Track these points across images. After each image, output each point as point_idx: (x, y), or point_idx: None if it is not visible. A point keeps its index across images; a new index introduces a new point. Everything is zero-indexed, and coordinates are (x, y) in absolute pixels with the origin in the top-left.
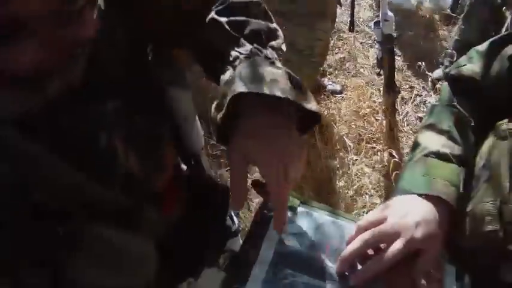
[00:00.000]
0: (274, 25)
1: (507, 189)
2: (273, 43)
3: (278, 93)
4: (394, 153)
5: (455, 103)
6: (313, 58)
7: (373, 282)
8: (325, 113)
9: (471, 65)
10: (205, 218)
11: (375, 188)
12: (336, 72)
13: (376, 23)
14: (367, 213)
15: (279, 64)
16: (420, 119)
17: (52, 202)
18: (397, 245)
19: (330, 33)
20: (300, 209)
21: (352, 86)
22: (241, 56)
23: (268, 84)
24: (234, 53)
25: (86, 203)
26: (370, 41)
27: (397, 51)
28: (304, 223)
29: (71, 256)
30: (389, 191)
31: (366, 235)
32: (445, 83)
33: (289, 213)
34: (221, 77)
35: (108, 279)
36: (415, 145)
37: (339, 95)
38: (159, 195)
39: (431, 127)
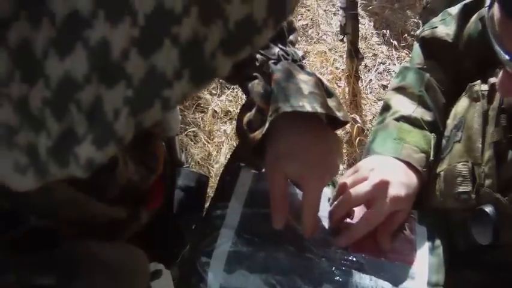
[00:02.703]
0: None
1: (479, 150)
2: (292, 38)
3: (320, 110)
4: (357, 118)
5: (426, 66)
6: None
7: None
8: None
9: (443, 26)
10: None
11: None
12: (299, 38)
13: None
14: None
15: (306, 67)
16: (384, 86)
17: (37, 220)
18: (386, 205)
19: None
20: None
21: (315, 52)
22: (270, 62)
23: (307, 98)
24: (259, 57)
25: (78, 220)
26: (333, 9)
27: (361, 19)
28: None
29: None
30: (352, 157)
31: (349, 196)
32: (416, 45)
33: (256, 175)
34: (249, 86)
35: None
36: (386, 107)
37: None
38: (145, 193)
39: (402, 90)
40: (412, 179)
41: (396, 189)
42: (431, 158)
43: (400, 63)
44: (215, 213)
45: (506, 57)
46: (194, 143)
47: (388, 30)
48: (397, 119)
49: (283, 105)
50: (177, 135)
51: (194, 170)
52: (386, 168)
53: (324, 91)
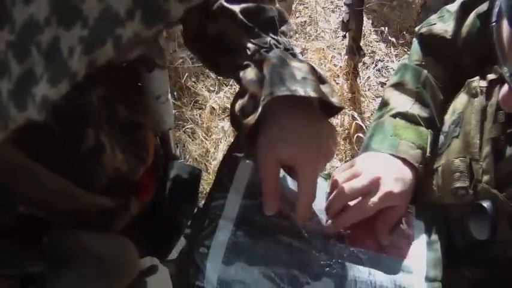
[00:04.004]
0: (279, 6)
1: (477, 146)
2: (284, 28)
3: (313, 94)
4: (356, 115)
5: (424, 63)
6: None
7: (337, 239)
8: None
9: (442, 23)
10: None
11: None
12: (297, 35)
13: None
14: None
15: (299, 55)
16: (382, 84)
17: (30, 209)
18: (376, 197)
19: None
20: None
21: (313, 49)
22: (262, 50)
23: (300, 83)
24: (251, 46)
25: (69, 210)
26: (331, 6)
27: None
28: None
29: (55, 272)
30: (349, 154)
31: (344, 190)
32: (415, 42)
33: (255, 166)
34: (241, 74)
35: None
36: (384, 103)
37: None
38: (136, 184)
39: (399, 86)
40: (407, 175)
41: (390, 185)
42: (428, 154)
43: (398, 61)
44: (213, 204)
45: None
46: (192, 140)
47: (386, 28)
48: (394, 116)
49: (277, 90)
50: (170, 130)
51: (188, 163)
52: (381, 165)
53: (317, 77)
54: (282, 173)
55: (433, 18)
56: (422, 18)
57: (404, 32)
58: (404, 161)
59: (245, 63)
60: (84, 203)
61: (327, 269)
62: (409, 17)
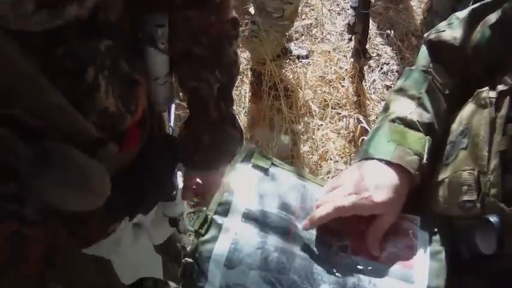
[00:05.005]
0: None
1: (485, 159)
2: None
3: None
4: (361, 118)
5: (431, 69)
6: (282, 21)
7: (339, 240)
8: (291, 77)
9: (451, 30)
10: (153, 166)
11: (339, 154)
12: (303, 37)
13: None
14: (331, 178)
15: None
16: (387, 87)
17: (30, 118)
18: (352, 198)
19: None
20: (271, 170)
21: (319, 51)
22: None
23: None
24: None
25: (61, 127)
26: (337, 8)
27: None
28: (275, 184)
29: (38, 171)
30: (354, 157)
31: (324, 199)
32: (423, 48)
33: (260, 173)
34: None
35: (70, 197)
36: (385, 108)
37: (305, 60)
38: (122, 133)
39: (402, 91)
40: (398, 182)
41: (370, 192)
42: (425, 161)
43: (404, 64)
44: (218, 208)
45: None
46: None
47: (392, 31)
48: (393, 120)
49: None
50: (164, 112)
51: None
52: (365, 174)
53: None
54: (301, 182)
55: (442, 25)
56: (428, 22)
57: (410, 35)
58: (400, 167)
59: None
60: (75, 125)
61: (327, 275)
62: (415, 21)
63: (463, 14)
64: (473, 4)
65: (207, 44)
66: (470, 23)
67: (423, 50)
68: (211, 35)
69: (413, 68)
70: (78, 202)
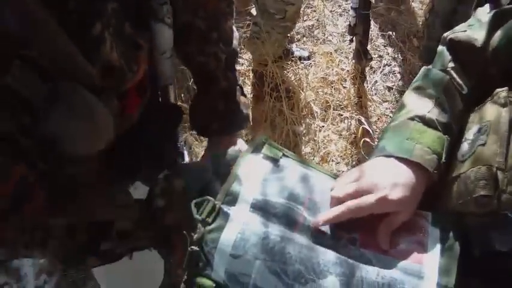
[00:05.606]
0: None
1: (503, 156)
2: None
3: None
4: (363, 120)
5: (449, 69)
6: (284, 23)
7: (348, 233)
8: (292, 78)
9: (472, 31)
10: (156, 133)
11: (341, 156)
12: (304, 39)
13: None
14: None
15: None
16: (389, 88)
17: (42, 60)
18: (369, 198)
19: None
20: (282, 161)
21: (321, 52)
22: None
23: None
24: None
25: (70, 71)
26: (339, 10)
27: None
28: (284, 175)
29: (49, 105)
30: (356, 158)
31: (336, 193)
32: (441, 47)
33: (270, 164)
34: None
35: (77, 130)
36: (401, 106)
37: (307, 61)
38: (124, 93)
39: (420, 90)
40: (413, 180)
41: (386, 191)
42: (443, 160)
43: (405, 65)
44: (226, 198)
45: None
46: (198, 142)
47: (393, 32)
48: (412, 118)
49: None
50: (170, 85)
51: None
52: (383, 171)
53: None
54: (311, 172)
55: (462, 26)
56: (429, 23)
57: (412, 37)
58: (418, 165)
59: None
60: (83, 72)
61: (334, 267)
62: (417, 22)
63: (485, 16)
64: (476, 6)
65: (206, 17)
66: (492, 25)
67: (442, 49)
68: (208, 10)
69: (430, 66)
70: (85, 138)
